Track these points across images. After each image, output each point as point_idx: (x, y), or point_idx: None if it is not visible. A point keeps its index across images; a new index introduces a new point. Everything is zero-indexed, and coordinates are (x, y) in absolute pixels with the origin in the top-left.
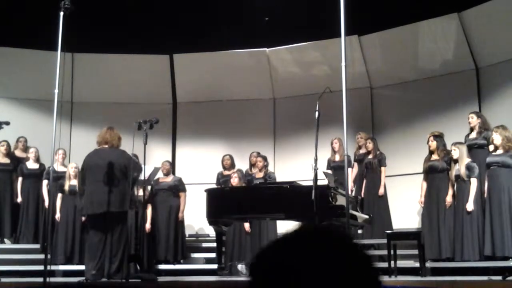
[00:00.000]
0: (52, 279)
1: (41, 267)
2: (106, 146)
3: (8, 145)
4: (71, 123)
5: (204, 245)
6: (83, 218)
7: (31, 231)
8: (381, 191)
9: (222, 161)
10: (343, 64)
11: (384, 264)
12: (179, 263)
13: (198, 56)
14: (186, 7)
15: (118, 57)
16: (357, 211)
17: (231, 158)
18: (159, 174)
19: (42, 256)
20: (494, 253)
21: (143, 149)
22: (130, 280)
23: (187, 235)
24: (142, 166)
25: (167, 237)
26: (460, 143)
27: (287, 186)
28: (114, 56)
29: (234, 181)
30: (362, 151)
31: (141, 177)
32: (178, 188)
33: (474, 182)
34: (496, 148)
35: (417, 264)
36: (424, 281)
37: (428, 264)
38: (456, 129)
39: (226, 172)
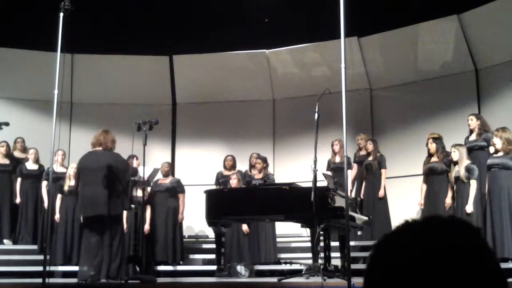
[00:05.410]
0: (51, 280)
1: (40, 268)
2: (100, 148)
3: (8, 146)
4: (70, 124)
5: (204, 246)
6: (82, 219)
7: (30, 232)
8: (381, 193)
9: (224, 161)
10: (342, 65)
11: None
12: (178, 264)
13: (198, 57)
14: (186, 8)
15: (117, 58)
16: (356, 212)
17: (234, 159)
18: (159, 175)
19: (41, 257)
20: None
21: (142, 150)
22: (129, 281)
23: (186, 236)
24: (140, 167)
25: (165, 238)
26: (460, 145)
27: (286, 187)
28: (114, 57)
29: (233, 182)
30: (362, 152)
31: (141, 178)
32: (175, 190)
33: (473, 184)
34: (497, 150)
35: None
36: None
37: None
38: (455, 131)
39: (226, 173)
